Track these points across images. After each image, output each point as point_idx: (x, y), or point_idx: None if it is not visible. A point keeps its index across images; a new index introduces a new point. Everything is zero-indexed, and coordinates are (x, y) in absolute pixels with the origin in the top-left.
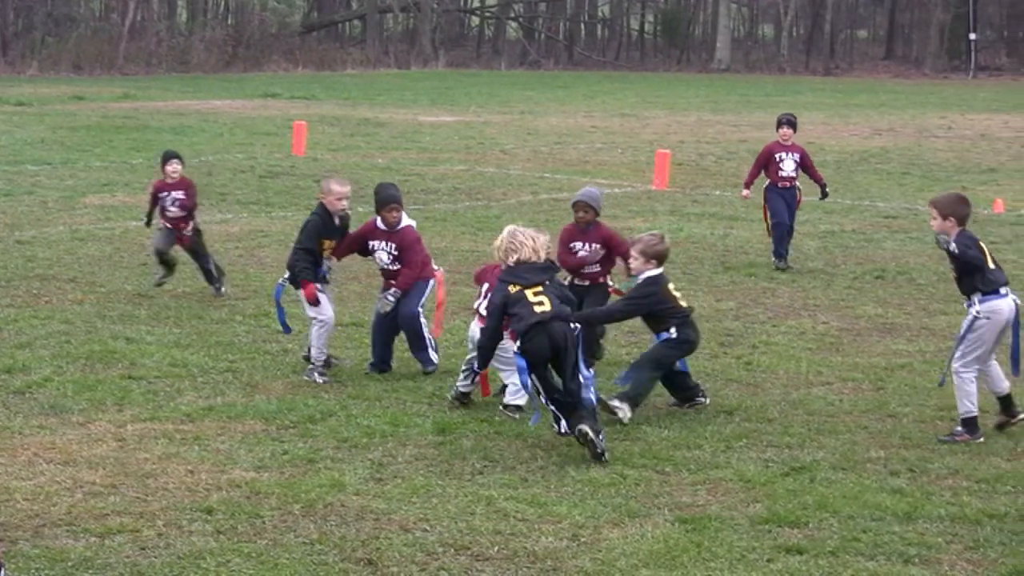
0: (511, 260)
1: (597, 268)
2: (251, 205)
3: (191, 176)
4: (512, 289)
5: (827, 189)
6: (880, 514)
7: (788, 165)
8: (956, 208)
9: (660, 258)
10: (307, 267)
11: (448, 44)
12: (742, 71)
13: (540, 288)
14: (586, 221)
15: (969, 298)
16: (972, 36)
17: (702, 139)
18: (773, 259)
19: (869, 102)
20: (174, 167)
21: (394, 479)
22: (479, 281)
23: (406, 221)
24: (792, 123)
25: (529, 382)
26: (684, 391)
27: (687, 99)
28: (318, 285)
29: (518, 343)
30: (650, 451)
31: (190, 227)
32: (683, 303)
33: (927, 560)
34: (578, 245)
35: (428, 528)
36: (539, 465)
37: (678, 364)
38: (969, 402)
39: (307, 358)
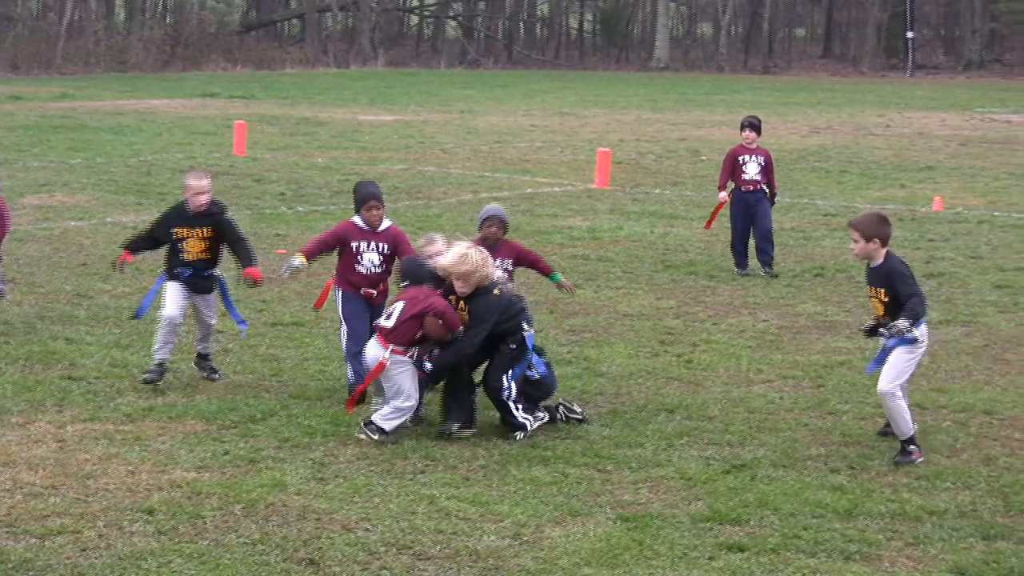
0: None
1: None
2: None
3: (129, 177)
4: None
5: (776, 198)
6: (821, 511)
7: (752, 168)
8: (879, 229)
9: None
10: (136, 241)
11: (387, 43)
12: (681, 70)
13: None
14: (496, 238)
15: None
16: (909, 34)
17: (642, 138)
18: (735, 267)
19: (807, 100)
20: None
21: (336, 479)
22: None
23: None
24: (755, 126)
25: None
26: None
27: (626, 98)
28: (130, 260)
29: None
30: (591, 449)
31: None
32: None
33: (868, 557)
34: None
35: (370, 527)
36: (480, 464)
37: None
38: (909, 420)
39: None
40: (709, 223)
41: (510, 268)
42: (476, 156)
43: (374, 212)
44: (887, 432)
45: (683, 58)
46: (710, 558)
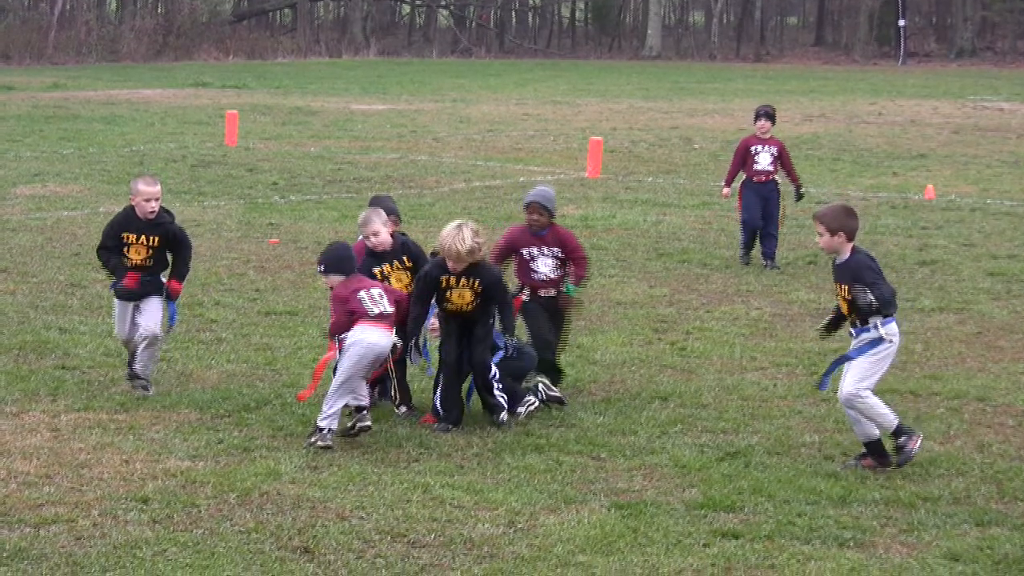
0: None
1: (559, 273)
2: (183, 195)
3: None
4: None
5: (802, 191)
6: (815, 498)
7: (764, 159)
8: (845, 222)
9: None
10: (115, 261)
11: (379, 32)
12: (673, 58)
13: None
14: (541, 225)
15: (865, 322)
16: (901, 23)
17: (634, 126)
18: (740, 253)
19: (800, 88)
20: None
21: (330, 467)
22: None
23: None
24: (770, 116)
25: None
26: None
27: (619, 86)
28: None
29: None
30: (585, 437)
31: None
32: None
33: (862, 543)
34: (535, 251)
35: (364, 516)
36: (475, 452)
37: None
38: (887, 414)
39: None
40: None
41: (560, 255)
42: (469, 145)
43: (391, 227)
44: (864, 457)
45: (675, 46)
46: (704, 545)
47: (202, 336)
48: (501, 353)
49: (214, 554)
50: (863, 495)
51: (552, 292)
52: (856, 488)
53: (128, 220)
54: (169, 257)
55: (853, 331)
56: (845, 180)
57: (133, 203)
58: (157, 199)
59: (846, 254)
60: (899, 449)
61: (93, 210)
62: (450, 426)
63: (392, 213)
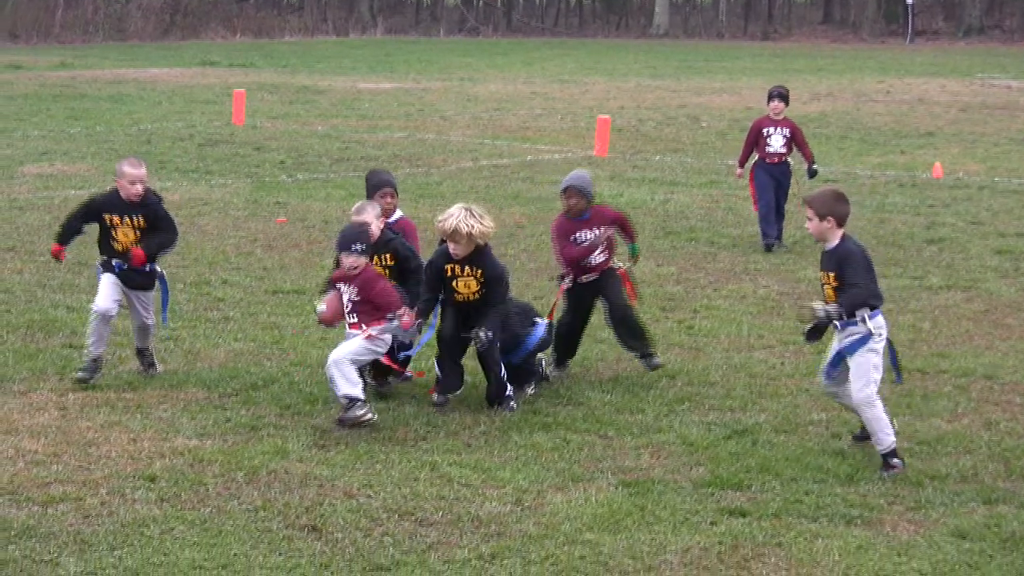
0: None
1: (604, 256)
2: (191, 173)
3: (129, 146)
4: None
5: (815, 167)
6: (822, 476)
7: (776, 140)
8: (835, 207)
9: None
10: (64, 231)
11: (386, 11)
12: (680, 37)
13: None
14: (579, 209)
15: (852, 315)
16: (909, 1)
17: (641, 105)
18: (760, 239)
19: (807, 67)
20: None
21: (337, 445)
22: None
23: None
24: (783, 96)
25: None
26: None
27: (626, 65)
28: (63, 256)
29: None
30: (593, 416)
31: None
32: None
33: (869, 521)
34: (581, 236)
35: (372, 494)
36: (482, 431)
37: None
38: (890, 431)
39: None
40: (756, 203)
41: (611, 234)
42: (476, 124)
43: (388, 200)
44: (863, 437)
45: (683, 25)
46: (712, 523)
47: (209, 315)
48: (540, 330)
49: (221, 532)
50: (870, 474)
51: (595, 276)
52: (863, 466)
53: (111, 202)
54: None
55: (839, 324)
56: (853, 158)
57: (118, 185)
58: (143, 181)
59: (835, 241)
60: (886, 465)
61: (100, 189)
62: (447, 396)
63: (388, 185)
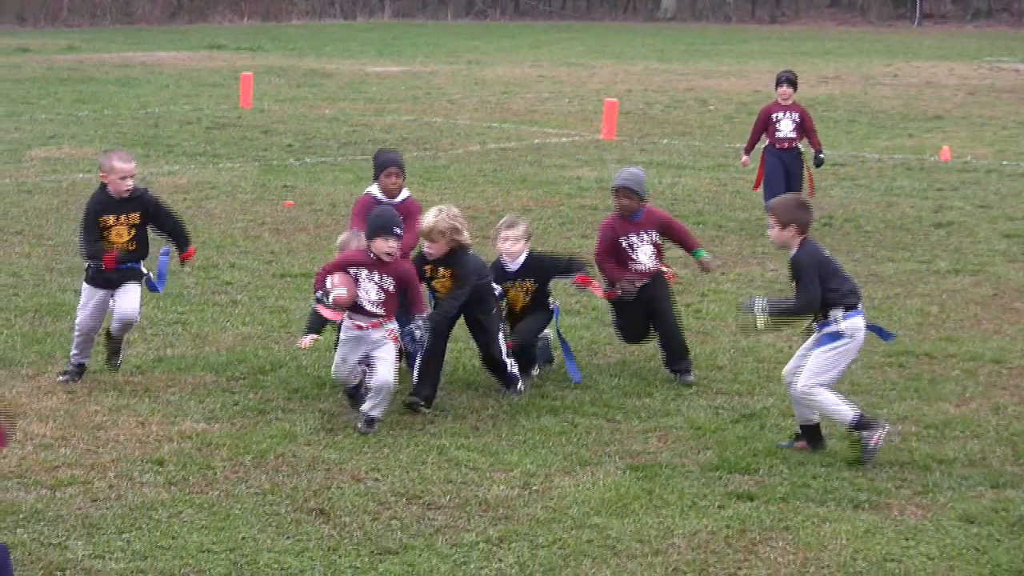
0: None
1: (654, 261)
2: (198, 156)
3: (136, 129)
4: None
5: (822, 156)
6: (830, 460)
7: (786, 126)
8: (797, 214)
9: None
10: (95, 248)
11: None
12: (688, 20)
13: None
14: (631, 209)
15: (826, 316)
16: None
17: (649, 88)
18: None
19: (815, 50)
20: None
21: (345, 429)
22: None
23: (407, 192)
24: (792, 81)
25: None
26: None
27: (634, 48)
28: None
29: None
30: (600, 400)
31: None
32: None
33: (877, 505)
34: (634, 238)
35: (379, 478)
36: (490, 414)
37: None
38: (841, 409)
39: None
40: (757, 184)
41: (657, 240)
42: (483, 107)
43: (393, 179)
44: (799, 439)
45: (690, 8)
46: (719, 507)
47: (217, 299)
48: (556, 313)
49: (229, 516)
50: (878, 457)
51: (645, 281)
52: None
53: (102, 204)
54: (159, 236)
55: (816, 325)
56: (860, 142)
57: (106, 181)
58: (133, 176)
59: (795, 248)
60: (863, 447)
61: None
62: (420, 402)
63: (395, 164)
